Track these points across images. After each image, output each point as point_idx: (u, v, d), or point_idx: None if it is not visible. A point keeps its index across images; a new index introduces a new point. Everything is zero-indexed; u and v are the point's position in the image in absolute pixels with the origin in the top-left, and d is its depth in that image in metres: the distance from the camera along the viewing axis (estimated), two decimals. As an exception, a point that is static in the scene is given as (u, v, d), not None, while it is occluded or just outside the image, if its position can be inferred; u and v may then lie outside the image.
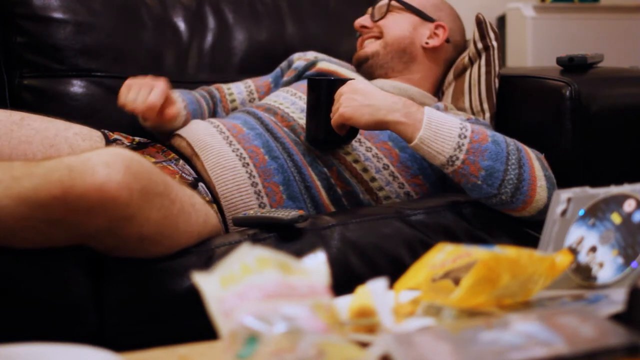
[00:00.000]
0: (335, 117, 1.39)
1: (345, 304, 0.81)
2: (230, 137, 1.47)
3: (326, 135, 1.43)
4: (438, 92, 1.80)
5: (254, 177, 1.41)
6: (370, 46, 1.74)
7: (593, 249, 0.95)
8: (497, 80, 1.66)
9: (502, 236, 1.39)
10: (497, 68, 1.66)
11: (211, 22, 1.95)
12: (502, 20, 2.82)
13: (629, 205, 0.95)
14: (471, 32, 1.73)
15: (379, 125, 1.37)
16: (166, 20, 1.89)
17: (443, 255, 0.88)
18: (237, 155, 1.43)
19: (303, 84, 1.59)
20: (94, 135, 1.50)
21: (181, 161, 1.46)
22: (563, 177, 1.38)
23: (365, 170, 1.48)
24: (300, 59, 1.79)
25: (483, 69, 1.67)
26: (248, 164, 1.42)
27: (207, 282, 0.69)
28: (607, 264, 0.92)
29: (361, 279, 0.87)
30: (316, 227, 1.31)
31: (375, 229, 1.35)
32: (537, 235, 1.04)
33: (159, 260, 1.19)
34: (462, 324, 0.77)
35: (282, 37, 1.99)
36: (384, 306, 0.78)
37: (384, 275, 0.79)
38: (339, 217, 1.36)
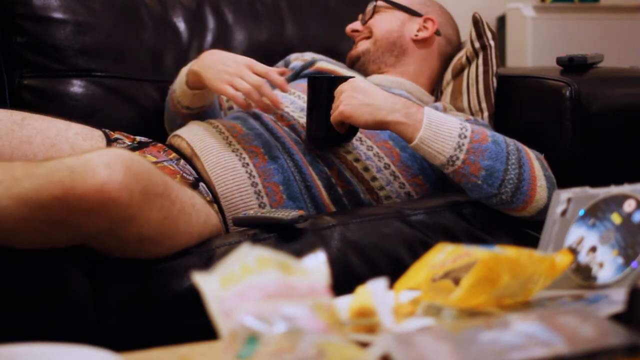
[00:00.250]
0: (335, 114, 1.39)
1: (345, 304, 0.81)
2: (230, 137, 1.47)
3: (326, 133, 1.43)
4: (436, 90, 1.81)
5: (253, 177, 1.41)
6: (361, 45, 1.78)
7: (593, 249, 0.95)
8: (495, 80, 1.66)
9: (502, 236, 1.39)
10: (494, 67, 1.66)
11: (211, 22, 1.95)
12: (502, 20, 2.82)
13: (629, 205, 0.95)
14: (469, 32, 1.73)
15: (379, 125, 1.37)
16: (166, 20, 1.89)
17: (443, 255, 0.88)
18: (236, 155, 1.43)
19: (301, 83, 1.59)
20: (95, 135, 1.50)
21: (182, 161, 1.46)
22: (563, 177, 1.38)
23: (366, 169, 1.48)
24: (297, 59, 1.80)
25: (481, 69, 1.67)
26: (248, 164, 1.42)
27: (207, 282, 0.69)
28: (607, 264, 0.92)
29: (361, 279, 0.87)
30: (316, 227, 1.31)
31: (376, 229, 1.35)
32: (537, 235, 1.04)
33: (159, 261, 1.19)
34: (462, 324, 0.77)
35: (282, 37, 1.99)
36: (384, 306, 0.78)
37: (384, 275, 0.79)
38: (339, 217, 1.36)
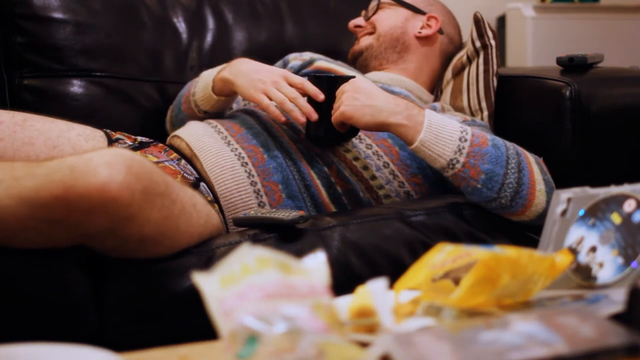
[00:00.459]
0: (336, 114, 1.39)
1: (345, 304, 0.81)
2: (229, 137, 1.47)
3: (327, 132, 1.43)
4: (436, 88, 1.81)
5: (252, 176, 1.41)
6: (364, 41, 1.79)
7: (593, 249, 0.95)
8: (495, 79, 1.66)
9: (503, 238, 1.39)
10: (495, 67, 1.66)
11: (211, 22, 1.95)
12: (502, 20, 2.82)
13: (629, 205, 0.95)
14: (470, 32, 1.73)
15: (380, 127, 1.37)
16: (166, 20, 1.89)
17: (443, 255, 0.88)
18: (235, 154, 1.43)
19: None
20: (97, 136, 1.50)
21: (183, 161, 1.46)
22: (563, 177, 1.38)
23: (365, 168, 1.48)
24: (296, 58, 1.80)
25: (481, 68, 1.67)
26: (247, 164, 1.42)
27: (207, 282, 0.69)
28: (607, 264, 0.92)
29: (361, 279, 0.87)
30: (317, 227, 1.31)
31: (376, 229, 1.35)
32: (537, 238, 1.04)
33: (159, 261, 1.19)
34: (462, 324, 0.77)
35: (282, 37, 1.99)
36: (384, 306, 0.78)
37: (384, 276, 0.79)
38: (339, 218, 1.36)
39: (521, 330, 0.68)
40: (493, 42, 1.68)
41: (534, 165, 1.36)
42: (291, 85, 1.45)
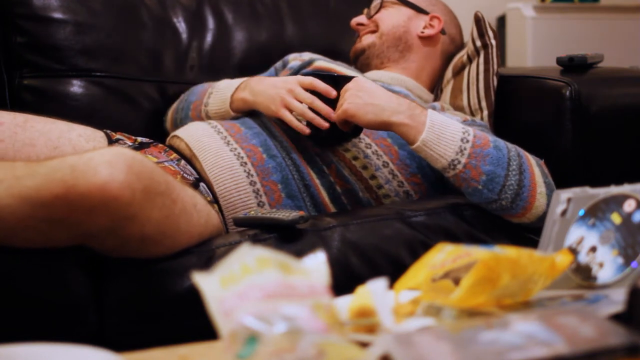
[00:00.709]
0: (339, 112, 1.39)
1: (345, 304, 0.81)
2: (228, 137, 1.47)
3: (330, 132, 1.43)
4: (436, 88, 1.81)
5: (252, 176, 1.41)
6: (366, 39, 1.79)
7: (593, 249, 0.95)
8: (495, 79, 1.66)
9: (503, 239, 1.39)
10: (495, 66, 1.66)
11: (211, 22, 1.95)
12: (502, 20, 2.82)
13: (629, 205, 0.95)
14: (470, 31, 1.74)
15: (382, 126, 1.36)
16: (166, 20, 1.89)
17: (443, 255, 0.88)
18: (234, 154, 1.43)
19: None
20: (97, 136, 1.50)
21: (182, 161, 1.46)
22: (563, 177, 1.38)
23: (364, 167, 1.48)
24: (295, 59, 1.80)
25: (481, 67, 1.67)
26: (246, 163, 1.42)
27: (207, 282, 0.69)
28: (607, 264, 0.92)
29: (361, 279, 0.87)
30: (317, 228, 1.31)
31: (376, 230, 1.35)
32: (537, 239, 1.04)
33: (159, 260, 1.19)
34: (462, 324, 0.77)
35: (282, 37, 1.99)
36: (384, 306, 0.78)
37: (384, 276, 0.79)
38: (339, 218, 1.36)
39: (521, 330, 0.68)
40: (493, 42, 1.68)
41: (535, 168, 1.36)
42: (303, 86, 1.45)
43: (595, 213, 0.97)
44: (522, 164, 1.34)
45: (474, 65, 1.69)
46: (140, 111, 1.83)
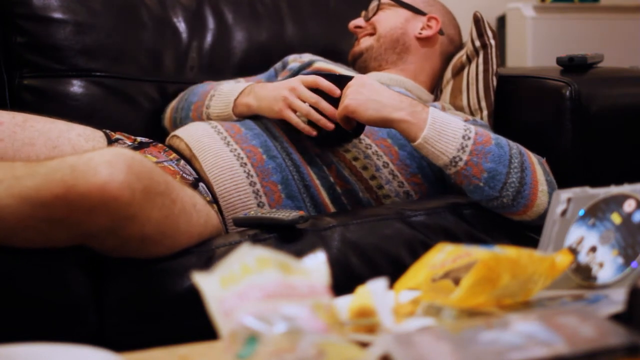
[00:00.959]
0: (340, 108, 1.39)
1: (345, 304, 0.81)
2: (228, 137, 1.47)
3: (331, 131, 1.43)
4: (436, 88, 1.81)
5: (252, 176, 1.41)
6: (364, 42, 1.79)
7: (593, 249, 0.95)
8: (494, 79, 1.66)
9: (503, 238, 1.39)
10: (494, 66, 1.66)
11: (211, 22, 1.95)
12: (502, 20, 2.82)
13: (629, 205, 0.95)
14: (469, 31, 1.73)
15: (383, 122, 1.36)
16: (166, 20, 1.90)
17: (443, 255, 0.88)
18: (234, 155, 1.43)
19: None
20: (97, 136, 1.50)
21: (182, 161, 1.46)
22: (563, 177, 1.38)
23: (364, 168, 1.48)
24: (295, 60, 1.80)
25: (481, 67, 1.67)
26: (246, 164, 1.42)
27: (207, 282, 0.69)
28: (607, 264, 0.92)
29: (361, 280, 0.87)
30: (317, 227, 1.31)
31: (376, 229, 1.35)
32: (537, 238, 1.04)
33: (159, 260, 1.19)
34: (462, 324, 0.77)
35: (282, 38, 1.99)
36: (384, 306, 0.78)
37: (384, 276, 0.79)
38: (339, 218, 1.36)
39: (521, 330, 0.68)
40: (493, 42, 1.68)
41: (537, 166, 1.36)
42: (306, 85, 1.45)
43: (595, 213, 0.97)
44: (524, 161, 1.34)
45: (473, 65, 1.69)
46: (140, 111, 1.83)
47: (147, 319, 1.19)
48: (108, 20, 1.82)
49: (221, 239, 1.28)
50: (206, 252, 1.23)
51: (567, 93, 1.53)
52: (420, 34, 1.77)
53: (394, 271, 0.97)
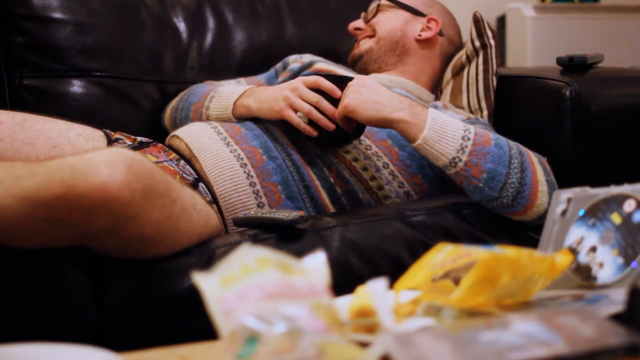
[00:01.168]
0: (339, 108, 1.39)
1: (345, 304, 0.81)
2: (228, 137, 1.47)
3: (331, 132, 1.43)
4: (436, 89, 1.81)
5: (252, 177, 1.41)
6: (364, 44, 1.79)
7: (593, 249, 0.95)
8: (494, 79, 1.66)
9: (503, 238, 1.39)
10: (494, 66, 1.66)
11: (211, 22, 1.95)
12: (502, 20, 2.82)
13: (629, 205, 0.95)
14: (469, 31, 1.73)
15: (383, 122, 1.36)
16: (166, 20, 1.90)
17: (443, 255, 0.88)
18: (234, 155, 1.43)
19: None
20: (96, 135, 1.50)
21: (182, 161, 1.46)
22: (563, 177, 1.38)
23: (364, 169, 1.48)
24: (296, 61, 1.80)
25: (481, 67, 1.67)
26: (246, 164, 1.42)
27: (207, 282, 0.69)
28: (607, 264, 0.92)
29: (361, 279, 0.87)
30: (317, 227, 1.31)
31: (376, 229, 1.35)
32: (537, 237, 1.04)
33: (159, 261, 1.19)
34: (462, 324, 0.77)
35: (282, 38, 1.99)
36: (384, 306, 0.78)
37: (384, 276, 0.79)
38: (339, 218, 1.36)
39: (521, 330, 0.68)
40: (492, 42, 1.68)
41: (537, 166, 1.36)
42: (307, 85, 1.45)
43: (595, 213, 0.97)
44: (524, 161, 1.34)
45: (473, 65, 1.69)
46: (140, 111, 1.83)
47: (147, 319, 1.19)
48: (108, 20, 1.82)
49: (221, 239, 1.28)
50: (206, 252, 1.23)
51: (567, 93, 1.53)
52: (420, 35, 1.76)
53: (394, 271, 0.97)
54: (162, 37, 1.88)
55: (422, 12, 1.78)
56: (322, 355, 0.63)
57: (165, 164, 1.44)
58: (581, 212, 0.98)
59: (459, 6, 1.98)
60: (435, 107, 1.57)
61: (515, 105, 1.68)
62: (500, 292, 0.83)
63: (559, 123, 1.54)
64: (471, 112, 1.65)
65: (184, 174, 1.42)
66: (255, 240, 1.26)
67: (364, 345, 0.71)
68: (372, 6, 1.82)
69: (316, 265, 0.72)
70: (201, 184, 1.41)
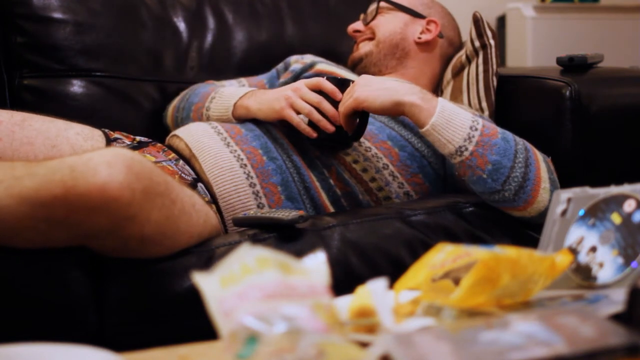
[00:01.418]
0: (348, 102, 1.38)
1: (345, 304, 0.81)
2: (228, 138, 1.47)
3: (332, 134, 1.43)
4: (437, 90, 1.81)
5: (251, 177, 1.41)
6: (364, 47, 1.78)
7: (593, 249, 0.95)
8: (495, 79, 1.66)
9: (503, 237, 1.39)
10: (494, 66, 1.66)
11: (211, 22, 1.95)
12: (502, 20, 2.82)
13: (629, 205, 0.95)
14: (469, 31, 1.73)
15: (395, 106, 1.35)
16: (166, 20, 1.90)
17: (443, 255, 0.88)
18: (234, 156, 1.43)
19: None
20: (95, 135, 1.50)
21: (181, 161, 1.46)
22: (563, 177, 1.38)
23: (364, 170, 1.48)
24: (297, 62, 1.79)
25: (481, 68, 1.67)
26: (246, 165, 1.42)
27: (207, 282, 0.69)
28: (607, 264, 0.92)
29: (361, 279, 0.87)
30: (316, 227, 1.31)
31: (376, 229, 1.35)
32: (537, 236, 1.04)
33: (159, 261, 1.19)
34: (462, 324, 0.77)
35: (281, 38, 1.99)
36: (384, 306, 0.78)
37: (384, 276, 0.79)
38: (339, 218, 1.36)
39: (521, 330, 0.68)
40: (492, 42, 1.68)
41: (542, 163, 1.36)
42: (308, 87, 1.45)
43: (595, 213, 0.97)
44: (529, 157, 1.35)
45: (473, 65, 1.69)
46: (140, 111, 1.83)
47: (147, 319, 1.19)
48: (108, 20, 1.82)
49: (221, 238, 1.28)
50: (206, 252, 1.23)
51: (567, 93, 1.53)
52: (419, 38, 1.76)
53: (394, 271, 0.97)
54: (162, 37, 1.88)
55: (421, 14, 1.78)
56: (322, 355, 0.63)
57: (164, 163, 1.44)
58: (581, 212, 0.98)
59: (459, 6, 1.98)
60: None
61: (515, 105, 1.68)
62: (500, 292, 0.83)
63: (559, 123, 1.54)
64: (472, 112, 1.66)
65: (182, 174, 1.42)
66: (255, 240, 1.26)
67: (364, 345, 0.71)
68: (371, 8, 1.81)
69: (316, 265, 0.72)
70: (200, 184, 1.41)
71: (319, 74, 1.70)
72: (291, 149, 1.47)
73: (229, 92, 1.62)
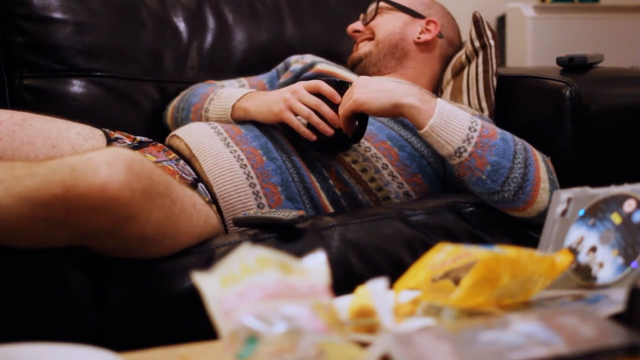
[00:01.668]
0: (348, 104, 1.38)
1: (345, 304, 0.81)
2: (228, 138, 1.47)
3: (331, 136, 1.43)
4: (437, 90, 1.81)
5: (252, 178, 1.41)
6: (363, 47, 1.78)
7: (593, 249, 0.95)
8: (495, 79, 1.66)
9: (503, 237, 1.39)
10: (494, 66, 1.66)
11: (211, 22, 1.95)
12: (502, 20, 2.82)
13: (629, 205, 0.95)
14: (469, 31, 1.73)
15: (394, 108, 1.36)
16: (166, 20, 1.90)
17: (443, 255, 0.88)
18: (234, 156, 1.43)
19: None
20: (96, 135, 1.50)
21: (181, 161, 1.46)
22: (563, 177, 1.38)
23: (364, 170, 1.48)
24: (297, 62, 1.79)
25: (481, 68, 1.67)
26: (246, 165, 1.42)
27: (207, 282, 0.69)
28: (607, 264, 0.92)
29: (361, 279, 0.87)
30: (316, 227, 1.31)
31: (376, 229, 1.35)
32: (537, 236, 1.04)
33: (159, 261, 1.19)
34: (462, 324, 0.77)
35: (281, 38, 1.99)
36: (384, 306, 0.78)
37: (384, 276, 0.79)
38: (339, 218, 1.36)
39: (521, 330, 0.68)
40: (492, 42, 1.68)
41: (541, 164, 1.36)
42: (307, 89, 1.45)
43: (595, 213, 0.97)
44: (528, 158, 1.35)
45: (473, 65, 1.69)
46: (140, 111, 1.83)
47: (147, 319, 1.19)
48: (108, 20, 1.82)
49: (221, 238, 1.28)
50: (206, 252, 1.23)
51: (567, 93, 1.53)
52: (419, 38, 1.76)
53: (394, 271, 0.97)
54: (162, 37, 1.88)
55: (421, 14, 1.78)
56: (322, 355, 0.63)
57: (165, 163, 1.44)
58: (581, 212, 0.98)
59: (458, 6, 1.98)
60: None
61: (515, 105, 1.68)
62: (500, 292, 0.83)
63: (559, 123, 1.54)
64: (472, 112, 1.66)
65: (183, 174, 1.42)
66: (255, 240, 1.26)
67: (364, 345, 0.71)
68: (371, 8, 1.81)
69: (316, 265, 0.72)
70: (200, 184, 1.41)
71: (319, 75, 1.71)
72: (291, 149, 1.47)
73: (228, 94, 1.61)
